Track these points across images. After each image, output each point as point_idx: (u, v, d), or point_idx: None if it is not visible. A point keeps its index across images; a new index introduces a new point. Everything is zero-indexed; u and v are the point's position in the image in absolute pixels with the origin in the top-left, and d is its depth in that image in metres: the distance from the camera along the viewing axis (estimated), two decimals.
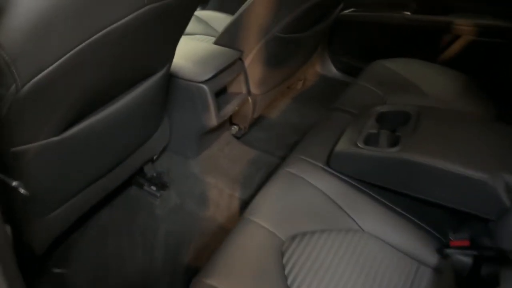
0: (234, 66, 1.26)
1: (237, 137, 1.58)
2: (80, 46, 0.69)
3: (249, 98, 1.38)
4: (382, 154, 0.97)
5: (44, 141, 0.81)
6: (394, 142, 1.00)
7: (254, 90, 1.37)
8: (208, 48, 1.29)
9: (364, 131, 1.06)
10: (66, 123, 0.83)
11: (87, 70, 0.75)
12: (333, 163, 1.04)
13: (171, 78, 1.20)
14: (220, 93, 1.26)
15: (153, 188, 1.35)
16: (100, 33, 0.71)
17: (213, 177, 1.38)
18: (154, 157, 1.32)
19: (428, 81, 1.46)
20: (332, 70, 1.89)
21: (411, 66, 1.54)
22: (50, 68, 0.66)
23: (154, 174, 1.35)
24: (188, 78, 1.18)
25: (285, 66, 1.43)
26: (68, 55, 0.68)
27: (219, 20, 1.79)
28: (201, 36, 1.70)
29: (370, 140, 1.04)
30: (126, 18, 0.74)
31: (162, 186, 1.36)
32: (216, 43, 1.32)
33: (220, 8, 1.92)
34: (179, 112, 1.25)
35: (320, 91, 1.90)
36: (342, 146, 1.04)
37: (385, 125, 1.10)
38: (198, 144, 1.35)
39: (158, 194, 1.34)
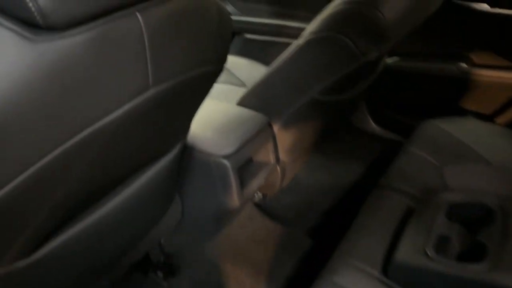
0: (261, 133, 1.04)
1: (259, 204, 1.34)
2: (54, 153, 0.47)
3: (278, 166, 1.15)
4: (464, 272, 0.72)
5: (5, 267, 0.58)
6: (477, 253, 0.76)
7: (283, 157, 1.14)
8: (230, 111, 1.07)
9: (433, 232, 0.81)
10: (38, 240, 0.61)
11: (63, 179, 0.53)
12: (393, 274, 0.79)
13: (185, 149, 0.98)
14: (244, 164, 1.03)
15: (160, 274, 1.12)
16: (84, 132, 0.49)
17: (232, 264, 1.14)
18: (162, 240, 1.09)
19: (491, 147, 1.22)
20: (369, 124, 1.65)
21: (469, 128, 1.30)
22: (7, 188, 0.45)
23: (161, 259, 1.12)
24: (206, 151, 0.95)
25: (321, 129, 1.21)
26: (33, 168, 0.46)
27: (242, 66, 1.59)
28: (223, 85, 1.49)
29: (442, 246, 0.79)
30: (123, 108, 0.52)
31: (171, 271, 1.13)
32: (240, 104, 1.10)
33: (242, 52, 1.73)
34: (193, 189, 1.02)
35: (355, 146, 1.66)
36: (406, 252, 0.79)
37: (458, 219, 0.85)
38: (215, 223, 1.11)
39: (165, 284, 1.10)
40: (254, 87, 1.08)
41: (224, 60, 0.71)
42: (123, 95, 0.51)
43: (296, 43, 0.97)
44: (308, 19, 1.66)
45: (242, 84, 1.54)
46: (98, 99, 0.48)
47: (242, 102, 1.11)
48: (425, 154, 1.19)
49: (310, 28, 0.93)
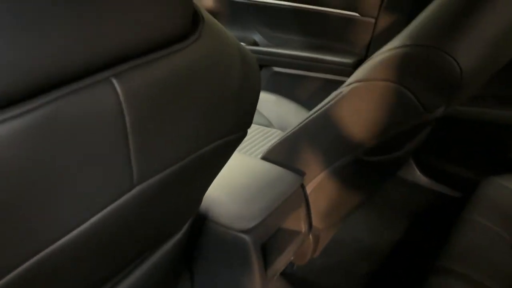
0: (292, 197, 0.84)
1: (286, 273, 1.14)
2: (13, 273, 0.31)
3: (310, 235, 0.95)
4: None
5: None
6: None
7: (317, 223, 0.94)
8: (253, 167, 0.88)
9: None
10: None
11: None
12: None
13: (197, 218, 0.79)
14: (269, 239, 0.84)
15: None
16: (36, 257, 0.32)
17: None
18: None
19: None
20: (415, 174, 1.44)
21: None
22: None
23: None
24: (222, 223, 0.77)
25: (363, 189, 1.00)
26: None
27: (268, 103, 1.42)
28: None
29: None
30: (92, 220, 0.34)
31: None
32: (266, 157, 0.92)
33: (269, 87, 1.56)
34: (206, 267, 0.83)
35: (398, 199, 1.44)
36: None
37: None
38: None
39: None
40: (285, 139, 0.89)
41: (249, 124, 0.53)
42: (91, 203, 0.33)
43: (337, 91, 0.78)
44: (346, 53, 1.49)
45: (268, 123, 1.37)
46: (49, 215, 0.31)
47: (269, 156, 0.92)
48: (491, 223, 0.96)
49: (358, 74, 0.74)
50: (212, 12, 1.70)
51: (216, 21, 0.44)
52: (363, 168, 0.87)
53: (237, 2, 1.63)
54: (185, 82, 0.36)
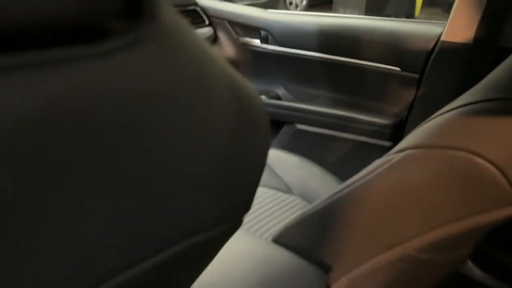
0: None
1: None
2: None
3: None
4: None
5: None
6: None
7: None
8: (261, 255, 0.65)
9: None
10: None
11: None
12: None
13: None
14: None
15: None
16: None
17: None
18: None
19: None
20: (467, 265, 1.18)
21: None
22: None
23: None
24: None
25: None
26: None
27: (289, 166, 1.24)
28: (261, 189, 1.13)
29: None
30: None
31: None
32: (278, 240, 0.69)
33: (291, 147, 1.37)
34: None
35: None
36: None
37: None
38: None
39: None
40: (306, 217, 0.67)
41: (248, 206, 0.32)
42: None
43: (383, 159, 0.56)
44: (383, 113, 1.30)
45: (287, 189, 1.18)
46: None
47: (284, 238, 0.69)
48: None
49: (414, 137, 0.53)
50: (231, 62, 1.56)
51: (189, 28, 0.24)
52: (410, 267, 0.63)
53: (259, 51, 1.48)
54: (95, 126, 0.16)
